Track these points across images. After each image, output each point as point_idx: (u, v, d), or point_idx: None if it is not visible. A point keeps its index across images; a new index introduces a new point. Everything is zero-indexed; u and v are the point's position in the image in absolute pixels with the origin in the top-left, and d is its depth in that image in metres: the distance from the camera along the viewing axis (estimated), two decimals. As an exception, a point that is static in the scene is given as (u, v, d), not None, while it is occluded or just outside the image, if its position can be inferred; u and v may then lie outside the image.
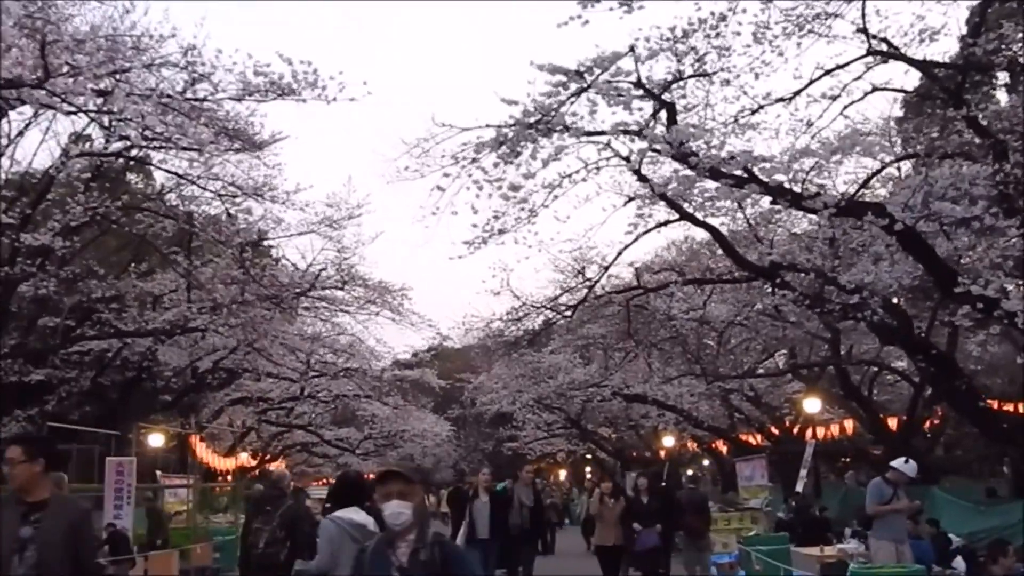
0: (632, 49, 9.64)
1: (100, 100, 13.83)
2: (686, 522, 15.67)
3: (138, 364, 22.81)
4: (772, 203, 10.65)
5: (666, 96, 10.35)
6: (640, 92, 10.02)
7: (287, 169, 21.04)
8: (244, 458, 36.39)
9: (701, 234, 23.34)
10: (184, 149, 16.42)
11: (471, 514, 14.22)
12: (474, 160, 9.96)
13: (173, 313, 18.68)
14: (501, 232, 13.43)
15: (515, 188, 10.24)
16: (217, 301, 19.08)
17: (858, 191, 12.50)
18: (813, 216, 19.70)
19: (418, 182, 10.86)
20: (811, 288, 15.15)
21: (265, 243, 23.09)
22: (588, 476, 28.59)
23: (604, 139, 11.03)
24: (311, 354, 30.03)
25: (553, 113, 9.68)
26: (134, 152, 16.85)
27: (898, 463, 10.90)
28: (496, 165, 9.93)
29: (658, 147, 9.77)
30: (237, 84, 12.19)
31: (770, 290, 15.79)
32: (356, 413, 38.51)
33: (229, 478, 37.72)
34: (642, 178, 12.96)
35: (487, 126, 9.87)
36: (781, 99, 12.48)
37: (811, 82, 12.51)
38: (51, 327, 20.32)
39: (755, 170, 10.06)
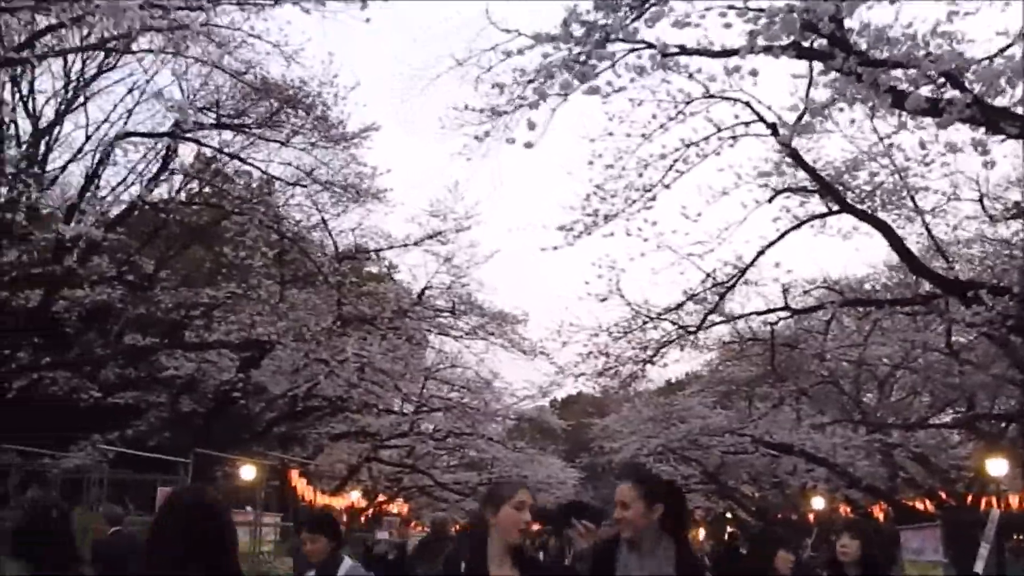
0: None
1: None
2: None
3: (223, 390, 20.77)
4: (986, 133, 7.36)
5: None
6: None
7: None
8: (355, 498, 34.15)
9: (861, 267, 19.82)
10: (241, 129, 14.35)
11: None
12: (543, 77, 7.09)
13: (238, 326, 16.40)
14: (607, 218, 10.62)
15: (590, 86, 7.26)
16: (301, 323, 16.89)
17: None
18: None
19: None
20: (1013, 311, 11.78)
21: (367, 259, 20.95)
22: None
23: (732, 72, 8.07)
24: (424, 386, 27.72)
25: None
26: (191, 134, 14.70)
27: None
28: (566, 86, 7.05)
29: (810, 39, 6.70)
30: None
31: (958, 309, 12.42)
32: (472, 455, 35.90)
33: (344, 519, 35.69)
34: (791, 153, 9.97)
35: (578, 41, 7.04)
36: None
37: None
38: (140, 346, 18.42)
39: (965, 82, 6.84)
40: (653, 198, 10.66)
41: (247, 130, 15.32)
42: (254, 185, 19.72)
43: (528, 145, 7.05)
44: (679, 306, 13.00)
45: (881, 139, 12.12)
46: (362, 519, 36.58)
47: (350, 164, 17.77)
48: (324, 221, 19.88)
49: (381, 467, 35.65)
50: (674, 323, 13.33)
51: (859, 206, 11.40)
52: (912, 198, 12.12)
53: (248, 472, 23.62)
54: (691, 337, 13.87)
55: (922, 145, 9.53)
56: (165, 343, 16.62)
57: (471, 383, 28.38)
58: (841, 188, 11.30)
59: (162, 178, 15.94)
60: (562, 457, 43.71)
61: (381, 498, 36.65)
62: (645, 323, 13.16)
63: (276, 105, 14.57)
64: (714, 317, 13.77)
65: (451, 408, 27.62)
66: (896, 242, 11.33)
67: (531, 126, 7.18)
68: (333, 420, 27.16)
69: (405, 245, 20.19)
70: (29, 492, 19.02)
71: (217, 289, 16.63)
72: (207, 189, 19.38)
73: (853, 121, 8.52)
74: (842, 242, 14.60)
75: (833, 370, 21.43)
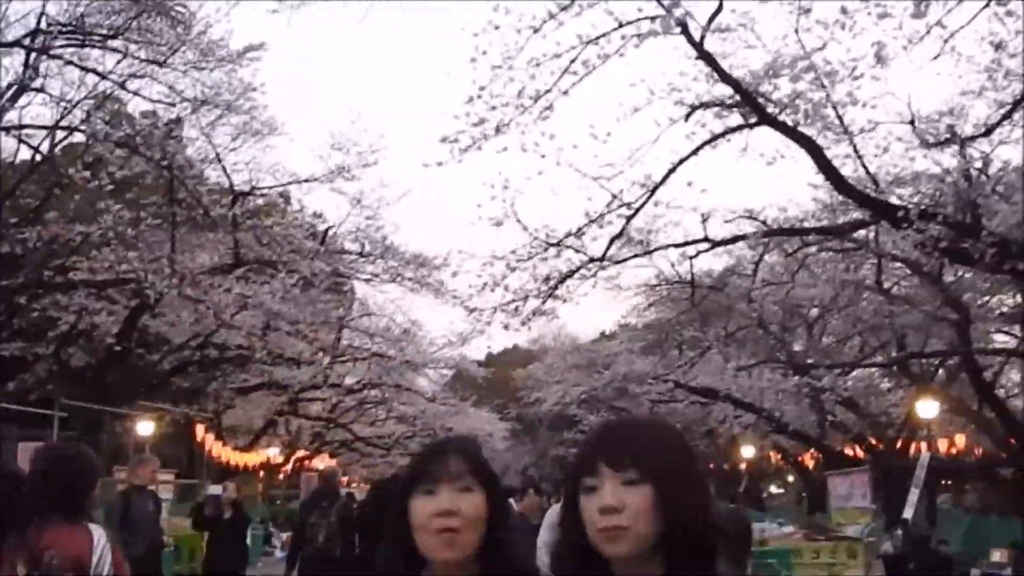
0: None
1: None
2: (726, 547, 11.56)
3: (112, 341, 19.20)
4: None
5: None
6: None
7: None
8: (273, 454, 32.84)
9: (785, 200, 18.78)
10: (106, 42, 12.81)
11: None
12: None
13: (108, 263, 14.81)
14: (499, 130, 9.37)
15: None
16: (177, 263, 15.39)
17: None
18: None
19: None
20: (947, 236, 10.83)
21: (261, 195, 19.46)
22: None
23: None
24: (339, 336, 26.28)
25: None
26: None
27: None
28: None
29: None
30: None
31: (887, 243, 11.45)
32: (402, 408, 34.63)
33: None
34: (703, 55, 8.80)
35: None
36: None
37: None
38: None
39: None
40: (549, 107, 9.43)
41: (109, 43, 13.76)
42: (161, 124, 18.27)
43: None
44: (580, 230, 11.59)
45: (808, 54, 11.05)
46: (280, 475, 35.26)
47: (237, 89, 16.33)
48: (218, 156, 18.46)
49: (301, 422, 34.35)
50: (578, 251, 11.99)
51: (780, 118, 10.26)
52: (838, 113, 11.03)
53: (144, 427, 22.22)
54: (599, 270, 12.53)
55: (843, 18, 8.39)
56: (20, 284, 15.01)
57: (386, 332, 27.12)
58: (761, 100, 10.17)
59: (18, 103, 14.27)
60: (495, 411, 42.82)
61: (302, 453, 35.33)
62: (545, 249, 11.76)
63: (139, 9, 13.05)
64: (621, 246, 12.50)
65: (366, 359, 26.28)
66: (821, 159, 10.24)
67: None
68: (242, 372, 25.71)
69: (306, 180, 18.79)
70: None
71: (89, 226, 15.00)
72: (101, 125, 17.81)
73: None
74: (765, 169, 13.52)
75: (760, 313, 20.54)
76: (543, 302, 12.15)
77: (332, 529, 9.33)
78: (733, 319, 22.35)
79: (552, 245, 11.45)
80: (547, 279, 11.84)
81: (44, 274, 14.54)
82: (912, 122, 13.31)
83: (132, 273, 14.00)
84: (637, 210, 11.01)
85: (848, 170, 11.77)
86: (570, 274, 11.89)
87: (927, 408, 18.40)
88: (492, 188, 10.48)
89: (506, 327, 12.62)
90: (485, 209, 10.99)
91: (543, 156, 9.87)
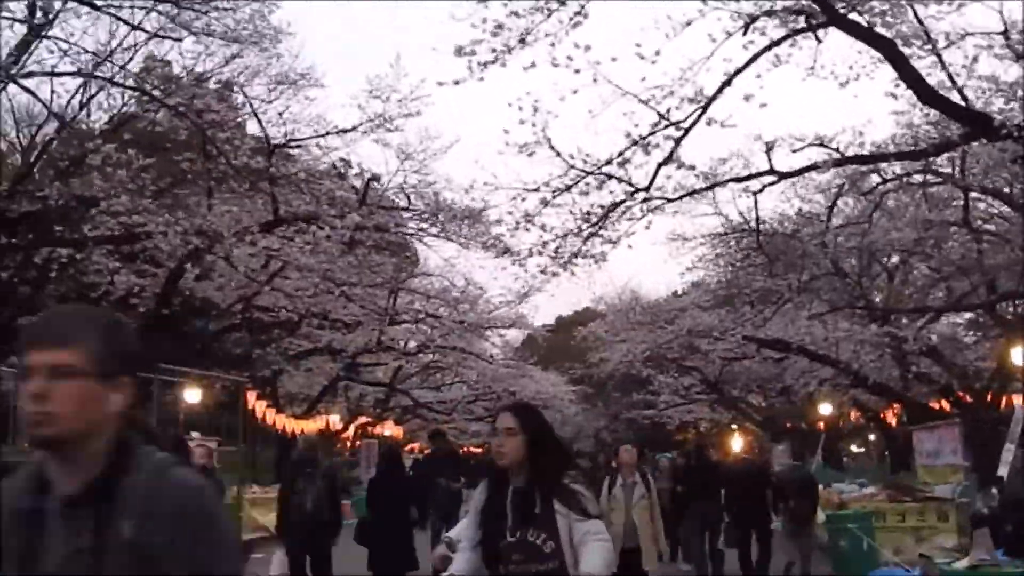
0: None
1: None
2: (790, 506, 11.76)
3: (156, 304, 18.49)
4: None
5: None
6: None
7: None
8: (334, 421, 32.10)
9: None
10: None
11: None
12: None
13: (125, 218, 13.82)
14: (524, 41, 8.14)
15: None
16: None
17: None
18: None
19: None
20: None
21: (297, 147, 18.50)
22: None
23: None
24: (394, 298, 25.25)
25: None
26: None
27: None
28: None
29: None
30: None
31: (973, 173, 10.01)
32: (467, 373, 33.69)
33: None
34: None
35: None
36: None
37: None
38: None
39: None
40: (581, 11, 8.20)
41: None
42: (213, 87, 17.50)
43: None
44: (623, 155, 10.07)
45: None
46: (338, 443, 34.33)
47: (267, 34, 15.45)
48: (253, 109, 17.67)
49: (363, 387, 33.64)
50: (621, 180, 10.52)
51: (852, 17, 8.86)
52: (918, 18, 9.56)
53: (192, 394, 21.56)
54: (648, 206, 11.12)
55: None
56: (31, 240, 14.17)
57: (443, 294, 26.14)
58: (829, -2, 8.79)
59: (31, 52, 13.39)
60: (562, 373, 41.75)
61: (363, 420, 34.60)
62: (584, 178, 10.27)
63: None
64: (678, 181, 11.07)
65: (421, 320, 25.35)
66: (902, 64, 8.84)
67: None
68: (292, 337, 24.95)
69: (346, 131, 17.69)
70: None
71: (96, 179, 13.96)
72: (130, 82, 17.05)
73: None
74: (837, 93, 12.09)
75: (837, 261, 19.03)
76: (585, 240, 10.89)
77: (320, 494, 9.59)
78: (807, 268, 20.86)
79: (591, 174, 10.15)
80: (587, 215, 10.58)
81: (55, 230, 13.67)
82: (1005, 32, 11.78)
83: (142, 228, 13.06)
84: (687, 130, 9.67)
85: (932, 82, 10.33)
86: (613, 207, 10.58)
87: (1021, 355, 16.81)
88: (520, 111, 9.23)
89: (543, 271, 11.45)
90: (513, 135, 9.77)
91: (577, 72, 8.64)
